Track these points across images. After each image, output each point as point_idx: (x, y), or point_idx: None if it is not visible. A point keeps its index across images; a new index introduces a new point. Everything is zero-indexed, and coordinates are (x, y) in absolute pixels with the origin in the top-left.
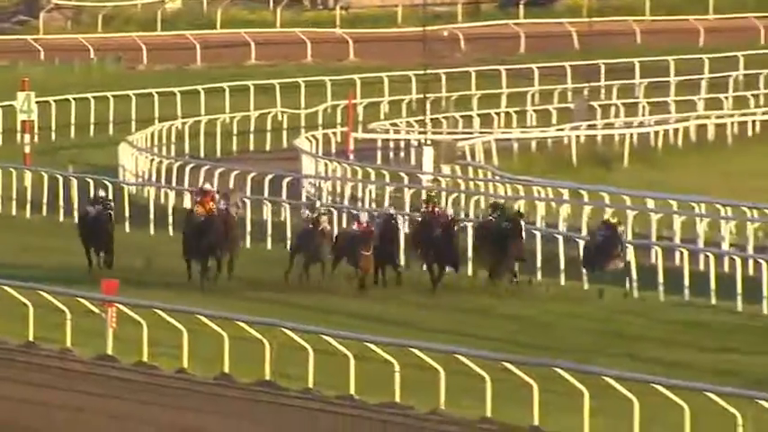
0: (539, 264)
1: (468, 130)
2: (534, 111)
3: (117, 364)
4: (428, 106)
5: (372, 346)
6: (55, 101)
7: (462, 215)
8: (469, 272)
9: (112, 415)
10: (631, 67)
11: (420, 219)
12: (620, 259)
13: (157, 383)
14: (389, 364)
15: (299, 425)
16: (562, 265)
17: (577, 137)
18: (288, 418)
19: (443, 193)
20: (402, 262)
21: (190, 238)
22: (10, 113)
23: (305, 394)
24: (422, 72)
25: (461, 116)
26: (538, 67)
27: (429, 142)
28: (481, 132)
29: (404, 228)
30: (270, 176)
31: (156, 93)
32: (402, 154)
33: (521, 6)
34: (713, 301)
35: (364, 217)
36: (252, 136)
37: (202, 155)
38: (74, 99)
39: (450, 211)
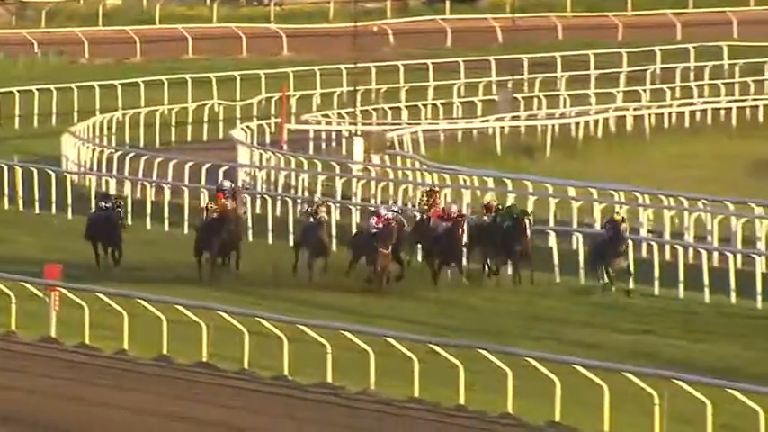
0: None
1: (397, 121)
2: (460, 103)
3: (60, 346)
4: (358, 98)
5: (305, 329)
6: (0, 93)
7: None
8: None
9: (56, 394)
10: (553, 61)
11: (422, 215)
12: (624, 256)
13: (99, 364)
14: (322, 346)
15: (235, 404)
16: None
17: (501, 128)
18: (224, 398)
19: (372, 182)
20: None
21: (204, 234)
22: None
23: (240, 374)
24: (352, 66)
25: (390, 108)
26: (463, 61)
27: (359, 133)
28: (409, 123)
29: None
30: (207, 165)
31: (98, 85)
32: (333, 144)
33: (447, 3)
34: (631, 285)
35: (384, 211)
36: (189, 127)
37: (142, 145)
38: (18, 92)
39: (454, 208)
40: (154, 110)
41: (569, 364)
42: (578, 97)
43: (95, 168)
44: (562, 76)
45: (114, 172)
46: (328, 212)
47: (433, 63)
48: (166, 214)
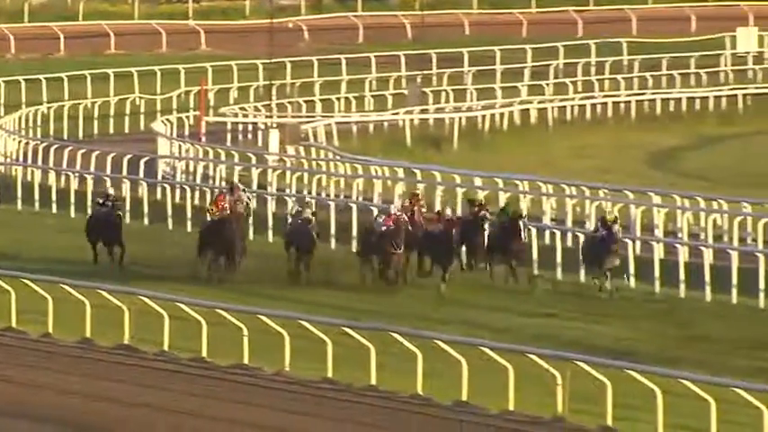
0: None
1: (311, 114)
2: (372, 96)
3: None
4: (274, 92)
5: (223, 313)
6: None
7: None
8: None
9: None
10: (460, 56)
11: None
12: (616, 256)
13: (24, 347)
14: (239, 330)
15: (156, 384)
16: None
17: (411, 120)
18: (145, 378)
19: (287, 173)
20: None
21: (206, 235)
22: None
23: (161, 356)
24: (268, 61)
25: (305, 101)
26: (375, 56)
27: (275, 125)
28: (323, 116)
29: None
30: (128, 156)
31: (23, 80)
32: (250, 136)
33: (359, 0)
34: (535, 271)
35: (394, 209)
36: (112, 120)
37: (66, 137)
38: None
39: (448, 212)
40: (77, 103)
41: (476, 346)
42: (484, 91)
43: (21, 159)
44: (469, 71)
45: (39, 163)
46: (314, 213)
47: (345, 58)
48: (89, 203)
